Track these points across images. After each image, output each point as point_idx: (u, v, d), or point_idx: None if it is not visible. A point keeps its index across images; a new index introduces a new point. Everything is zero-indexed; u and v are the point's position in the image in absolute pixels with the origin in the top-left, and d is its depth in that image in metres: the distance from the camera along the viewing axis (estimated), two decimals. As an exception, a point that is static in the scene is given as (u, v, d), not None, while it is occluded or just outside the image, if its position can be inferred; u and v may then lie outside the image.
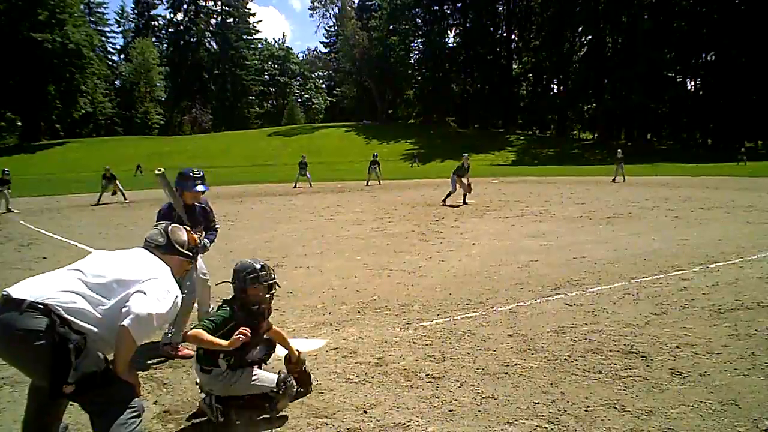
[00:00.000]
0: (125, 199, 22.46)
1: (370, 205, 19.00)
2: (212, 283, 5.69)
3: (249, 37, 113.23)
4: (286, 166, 49.82)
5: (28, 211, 18.69)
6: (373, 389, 4.11)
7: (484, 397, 3.88)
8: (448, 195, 18.32)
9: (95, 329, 2.74)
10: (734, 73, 61.08)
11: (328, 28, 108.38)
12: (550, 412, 3.62)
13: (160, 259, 3.15)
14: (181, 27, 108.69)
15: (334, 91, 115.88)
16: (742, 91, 60.96)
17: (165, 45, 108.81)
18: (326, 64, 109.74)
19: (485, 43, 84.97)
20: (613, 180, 28.07)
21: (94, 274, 2.87)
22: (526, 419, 3.55)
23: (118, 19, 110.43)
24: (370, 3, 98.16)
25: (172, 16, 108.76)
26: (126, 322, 2.71)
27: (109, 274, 2.87)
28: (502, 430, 3.43)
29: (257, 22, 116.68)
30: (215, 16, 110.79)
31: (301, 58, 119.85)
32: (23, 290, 2.70)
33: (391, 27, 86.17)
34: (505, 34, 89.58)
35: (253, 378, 3.71)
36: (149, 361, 4.81)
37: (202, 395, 3.71)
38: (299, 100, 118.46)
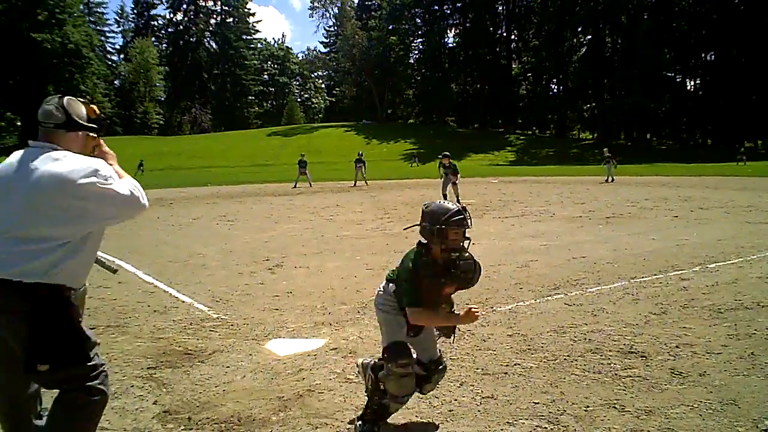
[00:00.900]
0: None
1: (369, 205, 19.01)
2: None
3: (249, 37, 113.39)
4: (286, 166, 49.82)
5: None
6: (373, 389, 4.10)
7: (483, 397, 3.88)
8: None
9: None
10: (734, 73, 61.18)
11: (327, 28, 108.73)
12: (550, 412, 3.62)
13: (58, 147, 2.70)
14: (181, 27, 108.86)
15: (334, 91, 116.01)
16: (742, 90, 61.05)
17: (164, 45, 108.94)
18: (326, 64, 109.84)
19: (485, 43, 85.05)
20: (606, 180, 27.86)
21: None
22: (526, 419, 3.54)
23: (118, 19, 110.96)
24: (369, 3, 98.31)
25: (171, 16, 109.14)
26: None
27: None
28: (501, 430, 3.43)
29: (257, 22, 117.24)
30: (215, 15, 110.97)
31: (300, 58, 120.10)
32: None
33: (390, 27, 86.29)
34: (504, 34, 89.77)
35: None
36: (149, 361, 4.81)
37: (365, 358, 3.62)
38: (299, 99, 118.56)
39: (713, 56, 69.11)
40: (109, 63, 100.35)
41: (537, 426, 3.45)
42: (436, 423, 3.55)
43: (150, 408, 3.88)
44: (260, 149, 71.32)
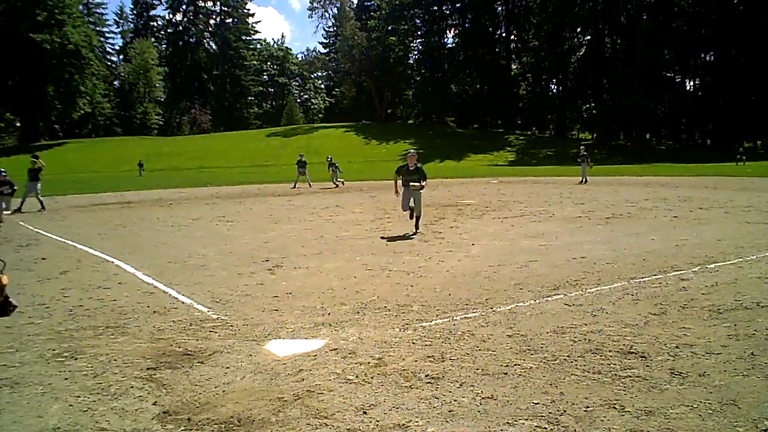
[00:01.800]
0: None
1: (369, 205, 19.00)
2: None
3: (248, 38, 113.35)
4: (285, 167, 49.80)
5: (28, 212, 18.66)
6: (373, 390, 4.11)
7: (483, 398, 3.88)
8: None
9: None
10: (733, 74, 61.23)
11: (327, 29, 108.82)
12: (550, 413, 3.62)
13: None
14: (180, 27, 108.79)
15: (333, 92, 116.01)
16: (741, 91, 61.10)
17: (164, 45, 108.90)
18: (325, 64, 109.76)
19: (484, 44, 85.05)
20: (581, 181, 26.81)
21: None
22: (526, 419, 3.54)
23: (117, 19, 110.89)
24: (369, 3, 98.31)
25: (171, 16, 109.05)
26: None
27: None
28: (501, 430, 3.43)
29: (256, 22, 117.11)
30: (214, 16, 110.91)
31: (300, 59, 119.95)
32: None
33: (390, 27, 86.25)
34: (504, 35, 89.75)
35: None
36: (148, 362, 4.81)
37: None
38: (298, 100, 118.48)
39: (712, 56, 69.18)
40: (109, 64, 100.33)
41: (537, 426, 3.45)
42: (436, 423, 3.55)
43: (150, 409, 3.88)
44: (260, 150, 71.30)
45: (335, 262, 9.19)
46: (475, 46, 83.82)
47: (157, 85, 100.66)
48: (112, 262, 9.49)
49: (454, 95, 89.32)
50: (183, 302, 6.78)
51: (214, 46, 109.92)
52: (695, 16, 66.35)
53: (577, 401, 3.78)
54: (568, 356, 4.64)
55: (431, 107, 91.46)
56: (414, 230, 12.16)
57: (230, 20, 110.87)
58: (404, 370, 4.46)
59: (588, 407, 3.68)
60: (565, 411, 3.64)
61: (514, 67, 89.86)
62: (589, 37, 76.66)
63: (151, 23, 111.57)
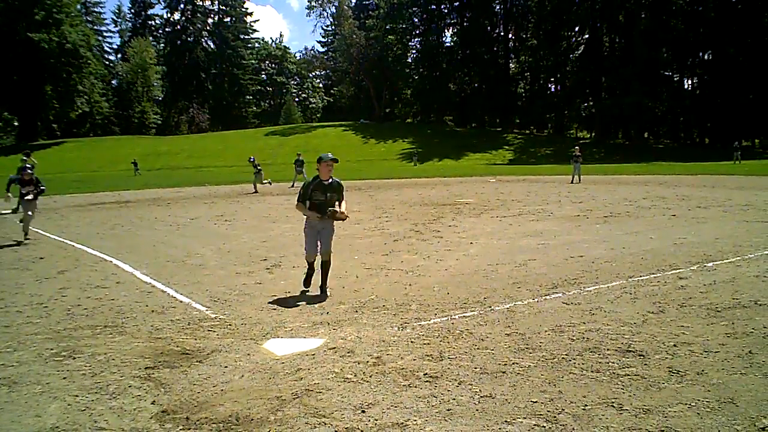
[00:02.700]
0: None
1: (367, 204, 19.00)
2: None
3: (246, 37, 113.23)
4: (284, 166, 49.76)
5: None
6: (371, 389, 4.11)
7: (482, 396, 3.88)
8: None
9: None
10: (731, 72, 61.26)
11: (325, 28, 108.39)
12: (548, 411, 3.63)
13: None
14: (178, 26, 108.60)
15: (332, 91, 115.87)
16: (739, 90, 61.13)
17: (162, 45, 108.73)
18: (323, 63, 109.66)
19: (482, 42, 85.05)
20: (572, 181, 26.61)
21: None
22: (524, 418, 3.55)
23: (115, 18, 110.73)
24: (367, 2, 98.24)
25: (168, 15, 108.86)
26: None
27: None
28: (500, 429, 3.43)
29: (254, 21, 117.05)
30: (212, 15, 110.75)
31: (298, 58, 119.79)
32: None
33: (388, 26, 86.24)
34: (502, 33, 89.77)
35: None
36: (147, 361, 4.80)
37: None
38: (296, 99, 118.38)
39: (711, 55, 69.20)
40: (107, 63, 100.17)
41: (535, 425, 3.45)
42: (435, 422, 3.55)
43: (148, 408, 3.88)
44: (258, 149, 71.11)
45: (334, 261, 9.16)
46: (473, 44, 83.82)
47: (155, 84, 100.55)
48: (111, 261, 9.47)
49: (452, 94, 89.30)
50: (181, 301, 6.77)
51: (212, 45, 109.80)
52: (693, 15, 66.38)
53: (575, 400, 3.78)
54: (566, 355, 4.64)
55: (429, 106, 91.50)
56: (320, 289, 7.05)
57: (228, 19, 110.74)
58: (403, 368, 4.46)
59: (586, 405, 3.69)
60: (563, 409, 3.64)
61: (512, 65, 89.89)
62: (587, 36, 76.67)
63: (149, 22, 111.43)
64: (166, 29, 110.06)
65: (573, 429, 3.39)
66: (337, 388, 4.14)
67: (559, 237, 10.87)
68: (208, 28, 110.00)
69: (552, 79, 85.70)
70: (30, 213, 12.19)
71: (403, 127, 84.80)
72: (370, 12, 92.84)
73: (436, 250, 9.82)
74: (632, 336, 5.04)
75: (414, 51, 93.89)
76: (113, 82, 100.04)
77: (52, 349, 5.13)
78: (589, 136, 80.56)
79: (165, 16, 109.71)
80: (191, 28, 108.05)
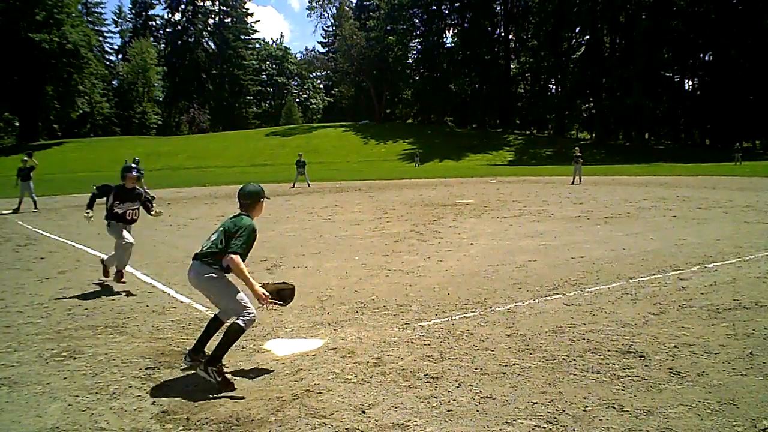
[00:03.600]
0: None
1: (368, 205, 19.00)
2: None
3: (247, 37, 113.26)
4: (284, 166, 49.78)
5: (26, 212, 18.65)
6: (372, 389, 4.11)
7: (482, 397, 3.88)
8: None
9: None
10: (732, 73, 61.22)
11: (326, 28, 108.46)
12: (549, 412, 3.62)
13: None
14: (179, 27, 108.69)
15: (332, 91, 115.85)
16: (740, 91, 61.10)
17: (163, 45, 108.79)
18: (324, 64, 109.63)
19: (483, 43, 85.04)
20: (572, 182, 26.61)
21: None
22: (525, 419, 3.55)
23: (116, 19, 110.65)
24: (368, 3, 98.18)
25: (169, 16, 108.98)
26: None
27: None
28: (500, 430, 3.43)
29: (255, 22, 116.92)
30: (213, 16, 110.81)
31: (299, 58, 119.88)
32: None
33: (388, 27, 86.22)
34: (502, 34, 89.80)
35: None
36: (147, 362, 4.81)
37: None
38: (297, 100, 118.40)
39: (711, 56, 69.15)
40: (107, 63, 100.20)
41: (536, 426, 3.45)
42: (435, 423, 3.55)
43: (148, 408, 3.88)
44: (258, 149, 71.29)
45: (334, 261, 9.18)
46: (473, 45, 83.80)
47: (155, 84, 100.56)
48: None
49: (452, 95, 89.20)
50: (182, 302, 6.78)
51: (212, 46, 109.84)
52: (694, 16, 66.31)
53: (575, 401, 3.78)
54: (566, 356, 4.64)
55: (430, 107, 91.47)
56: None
57: (229, 20, 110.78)
58: (403, 369, 4.46)
59: (587, 407, 3.69)
60: (563, 410, 3.64)
61: (513, 66, 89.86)
62: (588, 37, 76.60)
63: (150, 23, 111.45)
64: (167, 30, 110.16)
65: (573, 430, 3.39)
66: (337, 388, 4.15)
67: (560, 238, 10.86)
68: (208, 28, 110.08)
69: (552, 80, 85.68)
70: (130, 240, 7.78)
71: (404, 128, 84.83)
72: (371, 13, 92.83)
73: (436, 251, 9.82)
74: (633, 337, 5.04)
75: (414, 52, 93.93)
76: (114, 82, 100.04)
77: (52, 350, 5.13)
78: (589, 136, 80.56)
79: (166, 17, 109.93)
80: (192, 28, 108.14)
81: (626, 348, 4.77)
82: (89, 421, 3.69)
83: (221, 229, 4.64)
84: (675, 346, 4.76)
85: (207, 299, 4.81)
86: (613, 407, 3.67)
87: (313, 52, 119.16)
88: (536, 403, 3.77)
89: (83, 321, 6.04)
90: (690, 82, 75.00)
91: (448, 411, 3.70)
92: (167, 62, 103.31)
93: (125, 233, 7.71)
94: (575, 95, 76.81)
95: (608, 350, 4.73)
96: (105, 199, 7.78)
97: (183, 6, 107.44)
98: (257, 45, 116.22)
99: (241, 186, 4.79)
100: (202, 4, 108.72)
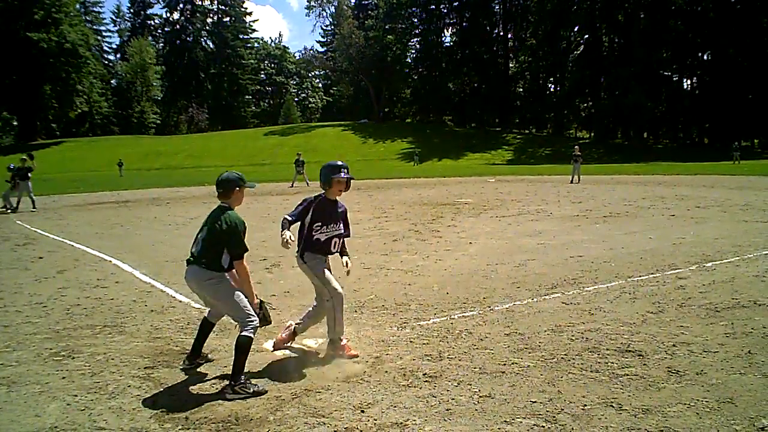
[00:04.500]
0: None
1: (367, 204, 18.99)
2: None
3: (245, 36, 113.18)
4: (283, 166, 49.76)
5: (25, 211, 18.64)
6: (371, 388, 4.11)
7: (481, 396, 3.88)
8: None
9: None
10: (730, 72, 61.26)
11: (324, 27, 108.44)
12: (548, 411, 3.63)
13: None
14: (178, 26, 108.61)
15: (331, 91, 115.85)
16: (738, 90, 61.14)
17: (161, 44, 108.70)
18: (323, 63, 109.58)
19: (482, 42, 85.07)
20: (571, 181, 26.51)
21: None
22: (524, 418, 3.55)
23: (114, 18, 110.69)
24: (366, 2, 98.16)
25: (168, 15, 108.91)
26: None
27: None
28: (499, 429, 3.43)
29: (254, 21, 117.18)
30: (211, 15, 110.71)
31: (297, 57, 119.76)
32: None
33: (387, 26, 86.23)
34: (501, 33, 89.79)
35: None
36: (146, 361, 4.80)
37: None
38: (296, 99, 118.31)
39: (710, 55, 69.18)
40: (106, 62, 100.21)
41: (534, 425, 3.45)
42: (434, 422, 3.55)
43: (147, 408, 3.88)
44: (257, 149, 71.25)
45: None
46: (472, 44, 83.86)
47: (154, 83, 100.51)
48: (110, 261, 9.47)
49: (451, 94, 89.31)
50: (180, 301, 6.77)
51: (211, 45, 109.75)
52: (693, 15, 66.34)
53: (574, 399, 3.78)
54: (565, 355, 4.64)
55: (429, 106, 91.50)
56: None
57: (228, 19, 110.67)
58: (402, 368, 4.46)
59: (585, 405, 3.69)
60: (562, 409, 3.65)
61: (511, 65, 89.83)
62: (586, 36, 76.64)
63: (148, 22, 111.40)
64: (166, 29, 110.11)
65: (572, 429, 3.40)
66: (336, 388, 4.15)
67: (559, 237, 10.87)
68: (207, 27, 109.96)
69: (551, 79, 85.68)
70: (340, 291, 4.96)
71: (402, 127, 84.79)
72: (370, 12, 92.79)
73: (435, 250, 9.82)
74: (631, 336, 5.04)
75: (413, 51, 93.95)
76: (112, 81, 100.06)
77: (51, 349, 5.12)
78: (588, 136, 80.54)
79: (164, 16, 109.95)
80: (190, 27, 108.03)
81: (625, 347, 4.77)
82: (88, 420, 3.69)
83: (206, 227, 4.57)
84: (673, 345, 4.77)
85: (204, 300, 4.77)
86: (612, 406, 3.67)
87: (311, 52, 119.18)
88: (535, 401, 3.77)
89: (82, 320, 6.03)
90: (689, 82, 75.01)
91: (447, 410, 3.70)
92: (166, 61, 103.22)
93: (332, 278, 5.00)
94: (574, 94, 76.81)
95: (607, 349, 4.74)
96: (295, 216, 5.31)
97: (181, 5, 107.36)
98: (256, 44, 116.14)
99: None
100: (200, 3, 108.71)
